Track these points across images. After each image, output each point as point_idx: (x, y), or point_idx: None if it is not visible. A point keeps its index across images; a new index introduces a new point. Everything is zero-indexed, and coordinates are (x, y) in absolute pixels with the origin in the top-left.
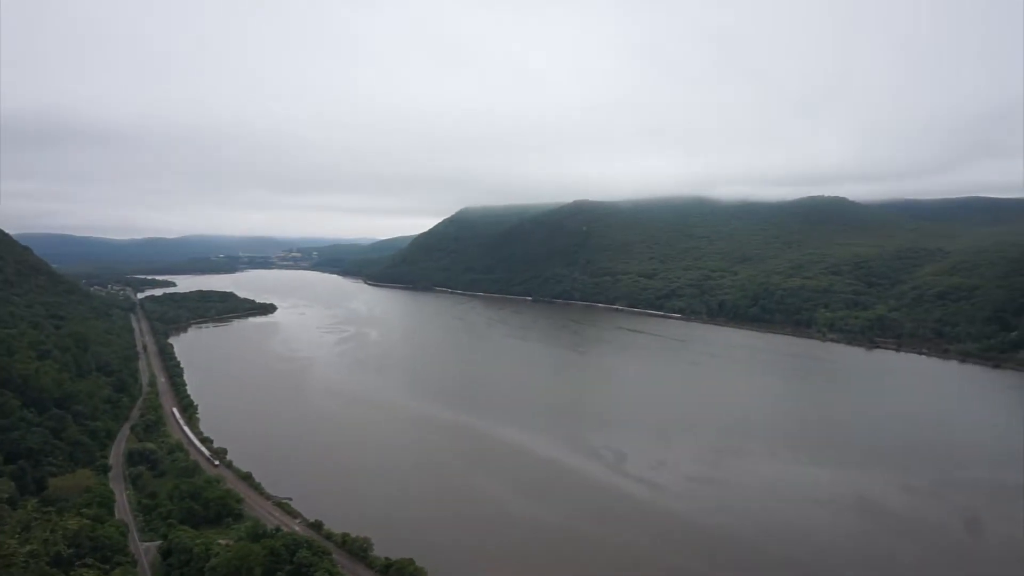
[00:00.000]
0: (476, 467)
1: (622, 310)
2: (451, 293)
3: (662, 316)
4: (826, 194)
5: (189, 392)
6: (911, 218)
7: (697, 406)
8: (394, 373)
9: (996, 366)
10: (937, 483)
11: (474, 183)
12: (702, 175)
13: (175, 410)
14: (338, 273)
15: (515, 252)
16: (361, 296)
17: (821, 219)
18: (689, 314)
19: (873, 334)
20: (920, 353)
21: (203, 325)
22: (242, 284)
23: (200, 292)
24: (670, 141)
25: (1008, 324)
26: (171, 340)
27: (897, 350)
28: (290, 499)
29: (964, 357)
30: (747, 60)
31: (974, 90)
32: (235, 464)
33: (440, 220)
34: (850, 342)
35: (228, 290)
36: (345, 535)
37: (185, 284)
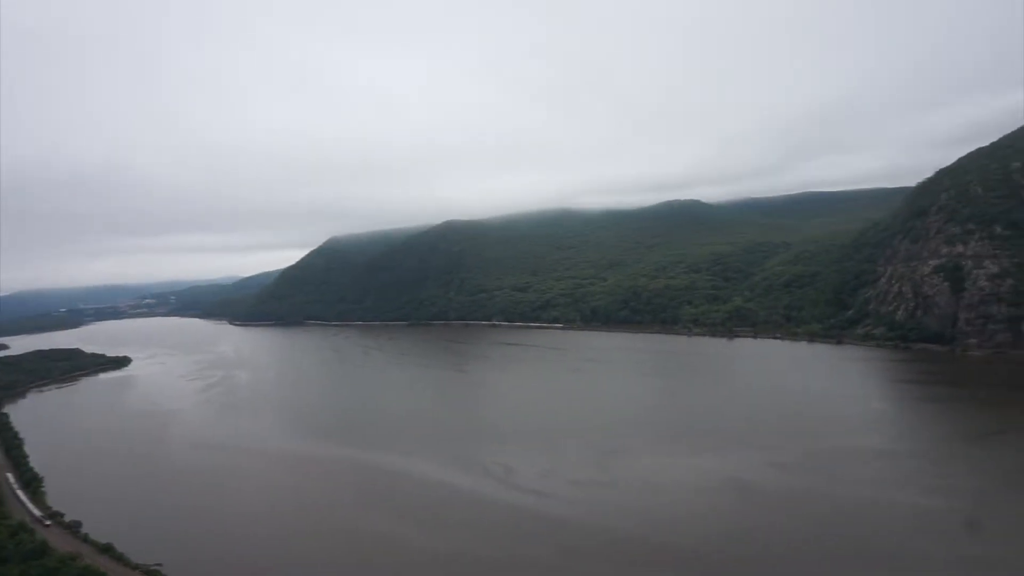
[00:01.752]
0: (364, 502)
1: (500, 325)
2: (324, 326)
3: (539, 327)
4: (682, 198)
5: (32, 465)
6: (758, 215)
7: (580, 411)
8: (269, 415)
9: (838, 342)
10: (801, 456)
11: (341, 212)
12: (567, 187)
13: (15, 486)
14: (199, 316)
15: (388, 278)
16: (227, 338)
17: (679, 221)
18: (565, 323)
19: (733, 325)
20: (775, 338)
21: (45, 388)
22: (90, 338)
23: (39, 352)
24: (533, 156)
25: (844, 304)
26: (6, 409)
27: (755, 337)
28: (160, 565)
29: (812, 338)
30: (597, 73)
31: (803, 95)
32: (92, 536)
33: (307, 252)
34: (713, 334)
35: (73, 347)
36: None
37: (20, 345)
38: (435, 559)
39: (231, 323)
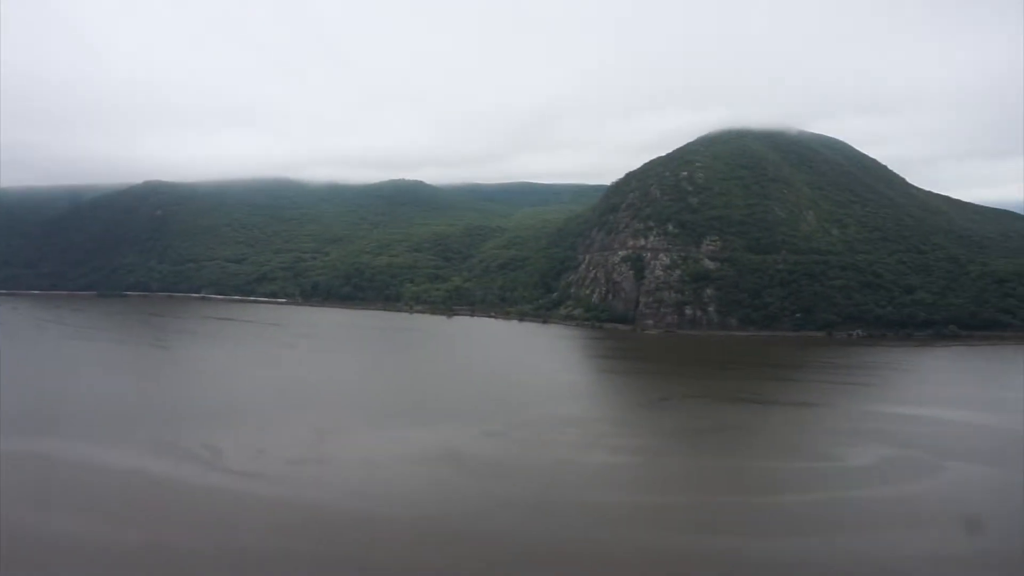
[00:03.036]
0: (40, 500)
1: (211, 298)
2: None
3: (255, 301)
4: (407, 177)
5: None
6: (477, 199)
7: (295, 388)
8: None
9: (544, 322)
10: (509, 424)
11: (15, 161)
12: (290, 156)
13: None
14: None
15: (72, 240)
16: None
17: (403, 200)
18: (284, 297)
19: (452, 303)
20: (490, 316)
21: None
22: None
23: None
24: (256, 120)
25: (550, 287)
26: None
27: (472, 315)
28: None
29: (522, 316)
30: (333, 43)
31: (524, 91)
32: None
33: None
34: (433, 312)
35: None
36: None
37: None
38: (127, 553)
39: None
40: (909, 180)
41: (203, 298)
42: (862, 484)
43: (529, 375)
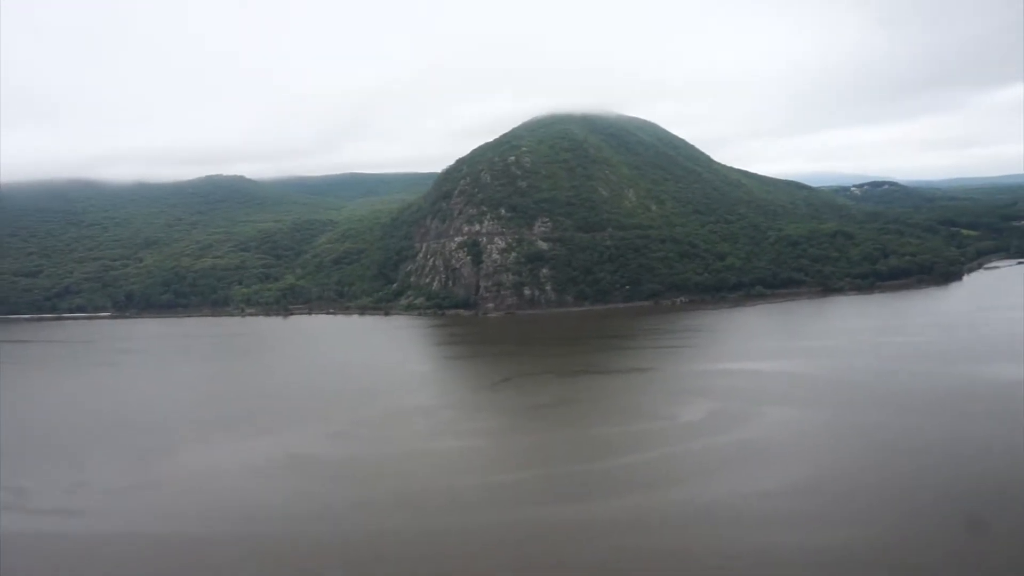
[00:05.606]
0: None
1: (2, 319)
2: None
3: (59, 319)
4: (224, 173)
5: None
6: (304, 193)
7: (116, 410)
8: None
9: (386, 314)
10: (355, 423)
11: None
12: (84, 155)
13: None
14: None
15: None
16: None
17: (222, 197)
18: (93, 310)
19: (287, 302)
20: (329, 313)
21: None
22: None
23: None
24: (40, 116)
25: (389, 278)
26: None
27: (309, 313)
28: None
29: (363, 310)
30: (135, 29)
31: (347, 79)
32: None
33: None
34: (268, 313)
35: None
36: None
37: None
38: None
39: None
40: (713, 157)
41: None
42: (693, 437)
43: (372, 370)
